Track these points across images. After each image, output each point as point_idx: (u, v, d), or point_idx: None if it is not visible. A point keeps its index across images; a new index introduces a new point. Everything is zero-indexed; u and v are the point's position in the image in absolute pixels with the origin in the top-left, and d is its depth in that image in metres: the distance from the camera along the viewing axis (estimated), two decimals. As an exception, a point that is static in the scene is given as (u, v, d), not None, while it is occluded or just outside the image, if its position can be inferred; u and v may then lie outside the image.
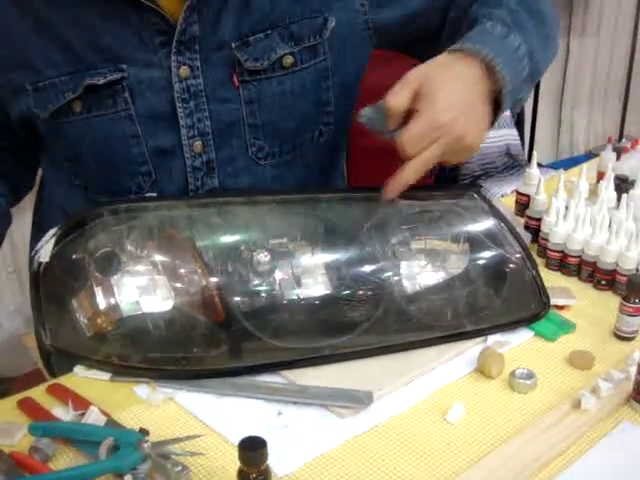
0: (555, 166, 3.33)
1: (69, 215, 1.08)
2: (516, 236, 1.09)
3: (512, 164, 3.10)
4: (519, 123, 3.19)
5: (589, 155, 3.86)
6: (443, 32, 1.19)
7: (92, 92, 1.04)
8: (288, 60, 1.10)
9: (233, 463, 0.76)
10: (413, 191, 1.06)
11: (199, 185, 1.11)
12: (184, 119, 1.07)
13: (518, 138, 3.18)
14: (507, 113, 3.13)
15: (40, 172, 1.28)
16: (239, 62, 1.07)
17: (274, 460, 0.77)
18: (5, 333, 2.47)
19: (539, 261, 1.20)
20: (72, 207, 1.15)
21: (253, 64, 1.08)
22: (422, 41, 1.21)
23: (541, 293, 1.07)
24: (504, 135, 3.09)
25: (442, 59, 1.02)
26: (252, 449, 0.71)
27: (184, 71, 1.05)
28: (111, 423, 0.88)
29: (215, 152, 1.11)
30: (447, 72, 0.99)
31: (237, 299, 0.97)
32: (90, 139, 1.07)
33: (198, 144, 1.09)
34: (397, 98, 0.97)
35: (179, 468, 0.80)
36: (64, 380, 0.97)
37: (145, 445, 0.80)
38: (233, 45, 1.06)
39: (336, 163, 1.29)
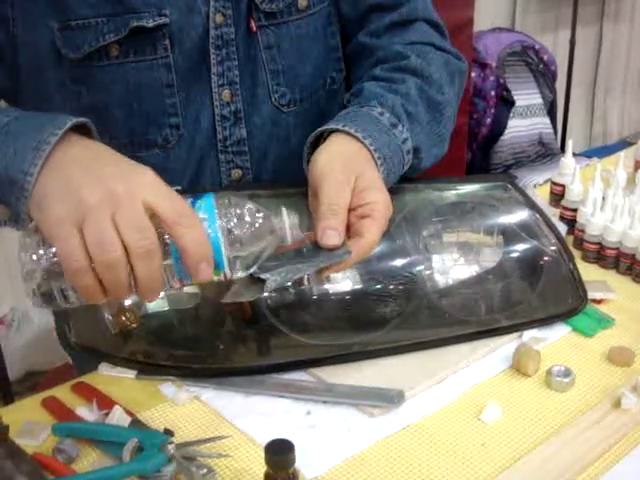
0: (588, 154, 3.28)
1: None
2: (552, 228, 1.06)
3: (545, 153, 3.07)
4: (552, 111, 3.16)
5: (623, 143, 3.81)
6: (346, 49, 1.19)
7: (134, 36, 1.00)
8: (303, 3, 1.09)
9: (260, 465, 0.73)
10: (444, 182, 1.03)
11: (227, 135, 1.10)
12: (216, 67, 1.05)
13: (550, 126, 3.14)
14: (540, 101, 3.10)
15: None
16: (255, 5, 1.06)
17: (302, 462, 0.75)
18: (35, 328, 2.49)
19: (575, 253, 1.17)
20: None
21: (269, 6, 1.07)
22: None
23: (578, 287, 1.04)
24: (536, 123, 3.06)
25: (337, 148, 0.96)
26: (279, 453, 0.69)
27: (219, 18, 1.03)
28: (136, 423, 0.86)
29: (242, 101, 1.10)
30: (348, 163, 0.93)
31: (264, 295, 0.94)
32: (122, 86, 1.03)
33: (227, 93, 1.08)
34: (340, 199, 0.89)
35: (204, 470, 0.78)
36: (89, 378, 0.96)
37: (170, 447, 0.78)
38: None
39: (321, 118, 1.26)
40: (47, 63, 1.00)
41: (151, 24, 0.99)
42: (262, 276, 0.82)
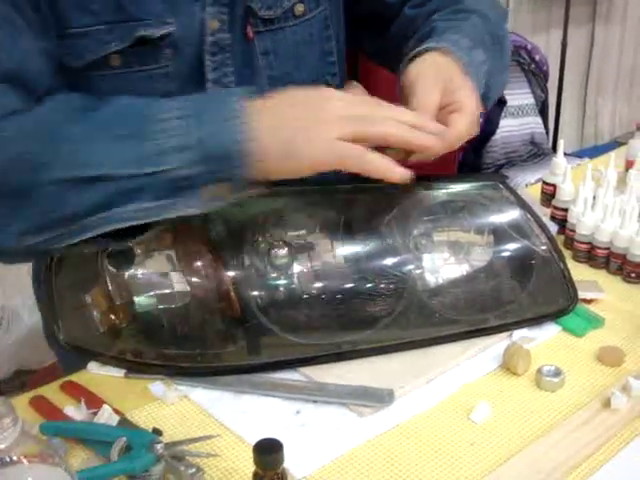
0: (580, 154, 3.29)
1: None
2: (542, 227, 1.05)
3: (536, 152, 3.06)
4: (543, 111, 3.15)
5: (614, 143, 3.81)
6: (393, 25, 1.19)
7: (137, 46, 0.98)
8: (300, 8, 1.09)
9: (249, 464, 0.73)
10: (435, 181, 1.03)
11: None
12: (210, 74, 1.04)
13: (542, 126, 3.14)
14: (532, 101, 3.10)
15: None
16: (253, 12, 1.05)
17: (291, 461, 0.74)
18: (25, 327, 2.47)
19: (566, 253, 1.17)
20: None
21: (267, 12, 1.06)
22: (371, 25, 1.21)
23: (569, 286, 1.04)
24: (528, 123, 3.06)
25: (430, 59, 1.00)
26: (267, 452, 0.69)
27: (214, 24, 1.02)
28: (124, 422, 0.86)
29: None
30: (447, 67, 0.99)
31: (254, 294, 0.94)
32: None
33: None
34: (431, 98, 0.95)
35: (193, 470, 0.78)
36: (78, 377, 0.95)
37: (158, 446, 0.78)
38: None
39: None
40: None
41: (157, 34, 0.98)
42: None
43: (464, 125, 0.93)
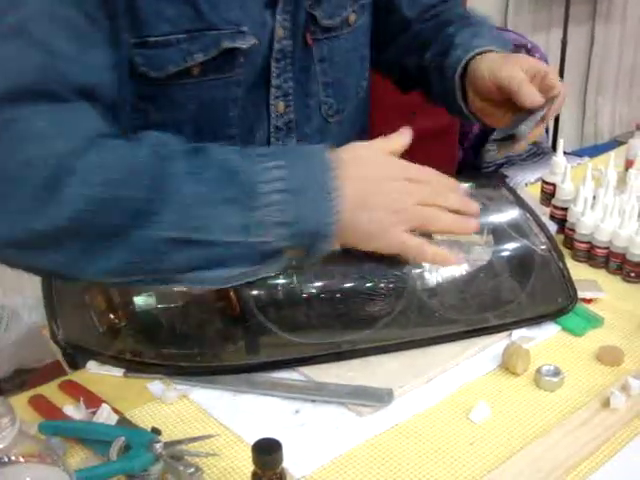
0: (579, 153, 3.28)
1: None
2: (542, 227, 1.05)
3: (536, 151, 3.06)
4: (543, 110, 3.15)
5: (614, 142, 3.81)
6: (400, 37, 1.26)
7: (220, 56, 0.98)
8: (352, 17, 1.14)
9: (248, 464, 0.72)
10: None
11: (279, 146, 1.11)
12: (274, 79, 1.06)
13: (542, 125, 3.14)
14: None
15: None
16: (315, 20, 1.08)
17: (290, 461, 0.74)
18: (25, 325, 2.47)
19: (565, 252, 1.17)
20: None
21: (329, 21, 1.10)
22: (381, 36, 1.26)
23: (568, 286, 1.04)
24: (528, 122, 3.05)
25: (491, 56, 1.10)
26: (266, 452, 0.69)
27: (280, 31, 1.04)
28: (123, 421, 0.86)
29: (295, 112, 1.11)
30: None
31: (253, 293, 0.94)
32: (196, 104, 1.01)
33: (281, 104, 1.09)
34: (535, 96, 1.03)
35: (192, 469, 0.77)
36: (77, 376, 0.95)
37: (157, 445, 0.78)
38: (307, 4, 1.06)
39: (367, 124, 1.30)
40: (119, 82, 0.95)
41: (245, 45, 0.99)
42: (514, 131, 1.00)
43: (560, 85, 1.05)
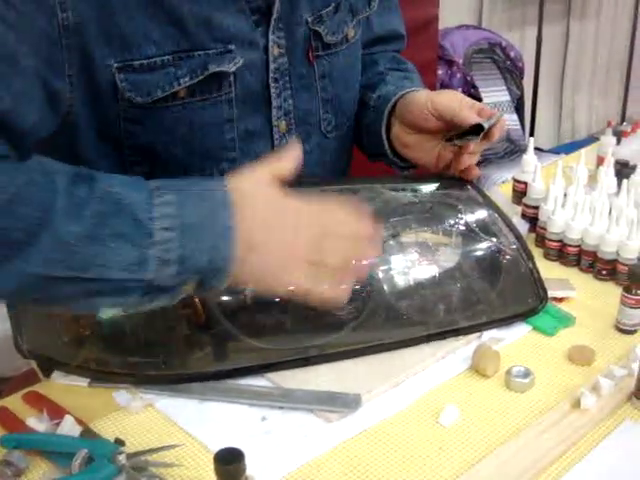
0: (556, 151, 3.29)
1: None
2: (511, 227, 1.05)
3: (512, 150, 3.06)
4: (519, 108, 3.15)
5: (591, 139, 3.81)
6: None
7: (206, 78, 0.97)
8: (351, 33, 1.14)
9: (212, 473, 0.71)
10: (403, 181, 1.01)
11: None
12: (275, 99, 1.05)
13: (518, 123, 3.14)
14: (507, 98, 3.11)
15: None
16: (319, 37, 1.08)
17: (257, 469, 0.74)
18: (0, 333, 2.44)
19: (537, 251, 1.17)
20: None
21: (331, 38, 1.10)
22: None
23: (538, 286, 1.03)
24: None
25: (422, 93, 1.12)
26: (228, 462, 0.67)
27: (275, 50, 1.03)
28: (87, 432, 0.84)
29: (296, 129, 1.10)
30: None
31: (218, 299, 0.93)
32: (186, 125, 0.99)
33: (283, 124, 1.08)
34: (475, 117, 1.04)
35: (155, 481, 0.76)
36: (41, 387, 0.93)
37: (120, 457, 0.77)
38: (309, 20, 1.06)
39: (351, 140, 1.27)
40: (101, 105, 0.94)
41: (232, 69, 0.98)
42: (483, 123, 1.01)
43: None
